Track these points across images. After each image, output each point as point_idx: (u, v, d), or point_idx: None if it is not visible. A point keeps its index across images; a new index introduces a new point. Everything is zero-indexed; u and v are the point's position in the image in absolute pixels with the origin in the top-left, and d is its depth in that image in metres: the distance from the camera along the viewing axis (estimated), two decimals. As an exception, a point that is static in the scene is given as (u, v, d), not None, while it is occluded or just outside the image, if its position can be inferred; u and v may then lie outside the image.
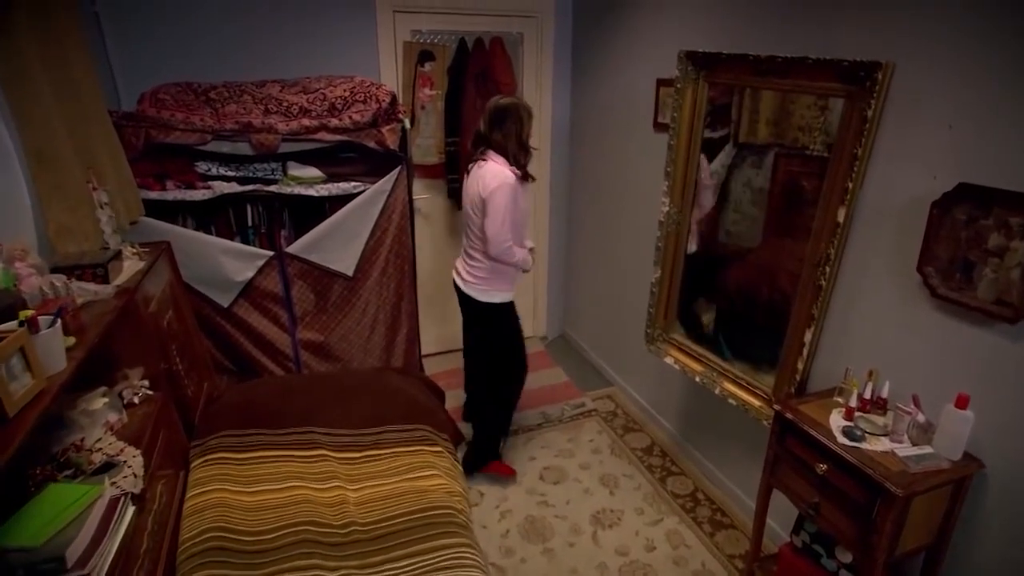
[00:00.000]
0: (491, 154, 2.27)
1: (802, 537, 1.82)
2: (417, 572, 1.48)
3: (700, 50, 2.05)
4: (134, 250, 1.81)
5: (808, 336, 1.90)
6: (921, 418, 1.53)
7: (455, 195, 3.34)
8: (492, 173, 2.21)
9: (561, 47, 3.35)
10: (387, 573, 1.48)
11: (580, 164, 3.49)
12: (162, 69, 2.55)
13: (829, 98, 1.78)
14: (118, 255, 1.70)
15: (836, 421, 1.63)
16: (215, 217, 2.60)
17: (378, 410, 2.05)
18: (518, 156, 2.26)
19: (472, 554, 1.57)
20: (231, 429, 1.85)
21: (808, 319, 1.89)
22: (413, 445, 1.95)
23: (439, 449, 1.97)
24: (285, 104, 2.48)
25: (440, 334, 3.68)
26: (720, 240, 2.57)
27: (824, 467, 1.57)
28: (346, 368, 2.81)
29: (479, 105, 3.19)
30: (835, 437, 1.57)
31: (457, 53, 3.14)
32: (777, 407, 1.74)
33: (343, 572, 1.47)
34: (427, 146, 3.25)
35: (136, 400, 1.58)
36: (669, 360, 2.50)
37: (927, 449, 1.50)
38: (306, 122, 2.47)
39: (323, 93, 2.54)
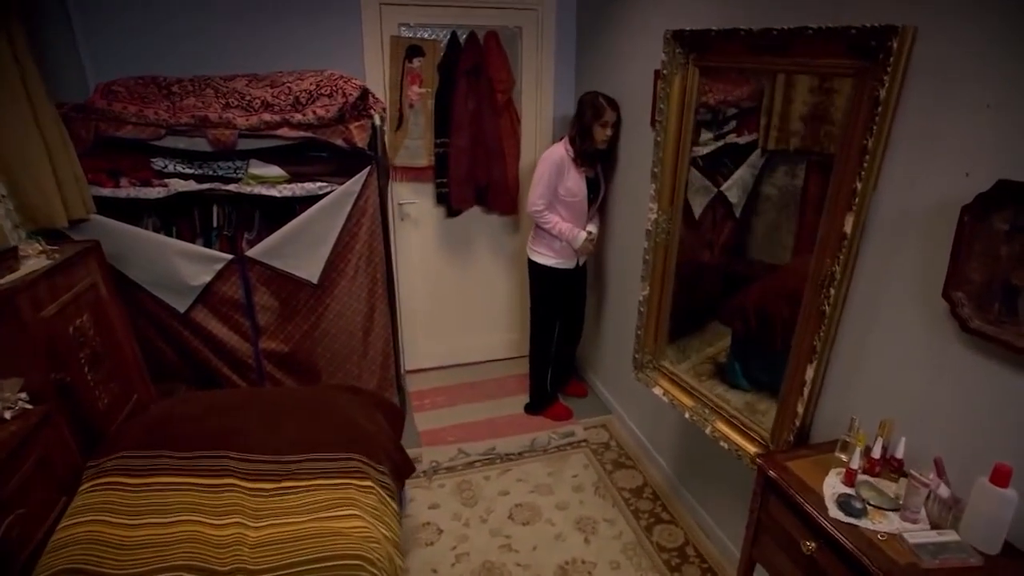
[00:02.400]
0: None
1: (794, 626, 1.45)
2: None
3: (688, 28, 1.74)
4: (41, 248, 1.66)
5: (810, 373, 1.54)
6: (944, 491, 1.15)
7: (444, 200, 3.12)
8: (548, 149, 2.66)
9: (563, 42, 3.08)
10: (257, 639, 1.24)
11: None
12: (135, 63, 2.46)
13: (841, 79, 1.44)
14: (12, 252, 1.55)
15: (832, 486, 1.28)
16: (180, 218, 2.48)
17: (309, 434, 1.82)
18: (575, 140, 2.56)
19: (366, 620, 1.30)
20: (135, 449, 1.66)
21: (810, 352, 1.53)
22: (338, 477, 1.71)
23: (368, 484, 1.72)
24: (247, 98, 2.33)
25: (430, 349, 3.45)
26: (742, 256, 2.25)
27: (812, 546, 1.22)
28: (302, 384, 2.61)
29: (471, 104, 2.98)
30: (826, 508, 1.22)
31: (448, 48, 2.93)
32: (760, 461, 1.39)
33: (205, 635, 1.24)
34: (416, 147, 3.05)
35: (8, 415, 1.41)
36: (658, 391, 2.16)
37: (950, 535, 1.12)
38: (267, 117, 2.30)
39: (289, 87, 2.37)
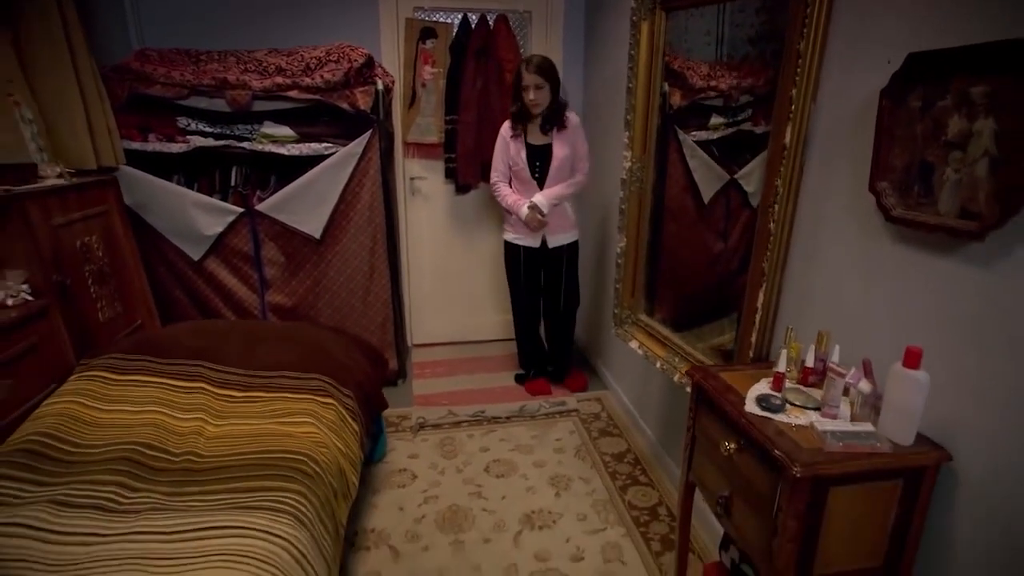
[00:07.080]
0: None
1: (731, 554, 1.39)
2: (219, 507, 1.30)
3: (651, -30, 1.79)
4: (60, 171, 1.87)
5: (761, 298, 1.50)
6: (865, 387, 1.10)
7: (452, 175, 3.23)
8: None
9: (572, 25, 3.18)
10: (190, 501, 1.32)
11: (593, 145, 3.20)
12: (174, 40, 2.74)
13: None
14: (32, 169, 1.75)
15: (758, 390, 1.24)
16: (202, 176, 2.71)
17: (283, 356, 1.93)
18: (512, 106, 2.56)
19: (296, 501, 1.36)
20: (123, 353, 1.81)
21: (760, 276, 1.50)
22: (303, 393, 1.79)
23: (330, 401, 1.79)
24: (264, 64, 2.54)
25: (437, 326, 3.52)
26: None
27: (732, 446, 1.19)
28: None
29: (479, 82, 3.10)
30: (744, 405, 1.18)
31: (459, 30, 3.07)
32: (690, 371, 1.37)
33: (144, 495, 1.33)
34: (427, 124, 3.19)
35: (10, 302, 1.58)
36: (634, 344, 2.14)
37: (865, 426, 1.07)
38: (279, 80, 2.50)
39: (302, 55, 2.57)
